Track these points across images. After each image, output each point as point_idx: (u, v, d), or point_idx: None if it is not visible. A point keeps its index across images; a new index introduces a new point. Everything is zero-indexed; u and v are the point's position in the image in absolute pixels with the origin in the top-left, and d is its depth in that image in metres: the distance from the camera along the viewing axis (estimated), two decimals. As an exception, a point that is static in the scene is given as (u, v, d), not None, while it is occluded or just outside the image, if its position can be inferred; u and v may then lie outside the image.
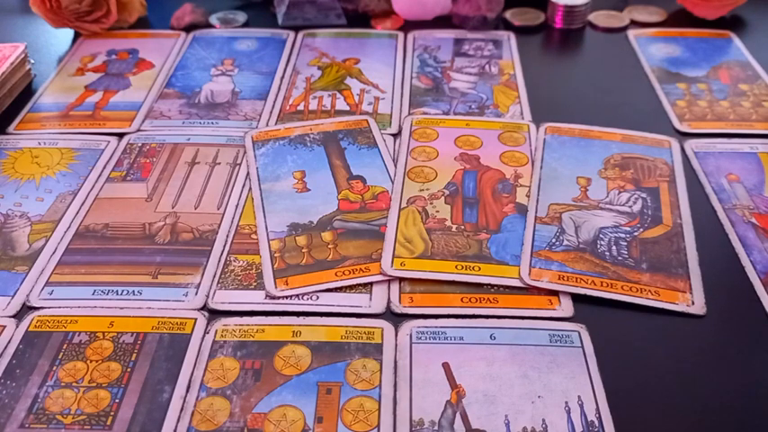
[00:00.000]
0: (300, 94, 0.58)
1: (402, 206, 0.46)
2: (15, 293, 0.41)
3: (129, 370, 0.37)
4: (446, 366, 0.36)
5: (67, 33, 0.67)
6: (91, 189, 0.49)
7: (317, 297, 0.40)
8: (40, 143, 0.53)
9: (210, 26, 0.69)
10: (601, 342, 0.38)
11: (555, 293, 0.40)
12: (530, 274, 0.41)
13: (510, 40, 0.65)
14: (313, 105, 0.57)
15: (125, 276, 0.42)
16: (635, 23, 0.69)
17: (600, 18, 0.69)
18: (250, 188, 0.48)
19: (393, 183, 0.48)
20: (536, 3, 0.69)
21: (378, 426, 0.34)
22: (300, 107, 0.57)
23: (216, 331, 0.38)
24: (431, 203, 0.47)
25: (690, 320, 0.39)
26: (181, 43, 0.66)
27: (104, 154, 0.52)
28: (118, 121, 0.55)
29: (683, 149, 0.52)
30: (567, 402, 0.35)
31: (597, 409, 0.34)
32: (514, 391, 0.35)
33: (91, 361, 0.37)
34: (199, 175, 0.50)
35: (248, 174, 0.50)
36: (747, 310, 0.40)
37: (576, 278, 0.41)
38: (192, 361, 0.37)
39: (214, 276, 0.42)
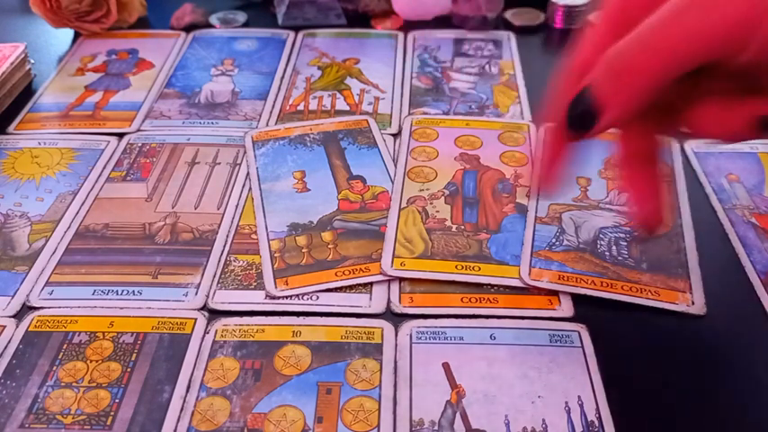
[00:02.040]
0: (300, 94, 0.58)
1: (402, 206, 0.46)
2: (15, 293, 0.41)
3: (129, 370, 0.37)
4: (446, 366, 0.36)
5: (67, 33, 0.67)
6: (91, 189, 0.49)
7: (317, 297, 0.40)
8: (40, 143, 0.53)
9: (210, 26, 0.69)
10: (601, 342, 0.38)
11: (555, 293, 0.40)
12: (530, 274, 0.41)
13: (510, 40, 0.65)
14: (313, 105, 0.57)
15: (125, 276, 0.42)
16: (635, 23, 0.69)
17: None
18: (250, 188, 0.48)
19: (393, 183, 0.48)
20: (536, 3, 0.69)
21: (378, 426, 0.34)
22: (300, 107, 0.57)
23: (216, 331, 0.38)
24: (431, 203, 0.47)
25: (690, 320, 0.39)
26: (181, 43, 0.66)
27: (104, 154, 0.52)
28: (118, 121, 0.55)
29: (683, 149, 0.52)
30: (566, 402, 0.35)
31: (597, 409, 0.34)
32: (514, 391, 0.35)
33: (91, 361, 0.37)
34: (199, 175, 0.50)
35: (248, 174, 0.50)
36: (747, 310, 0.40)
37: (576, 278, 0.41)
38: (192, 361, 0.37)
39: (214, 276, 0.42)
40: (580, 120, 0.31)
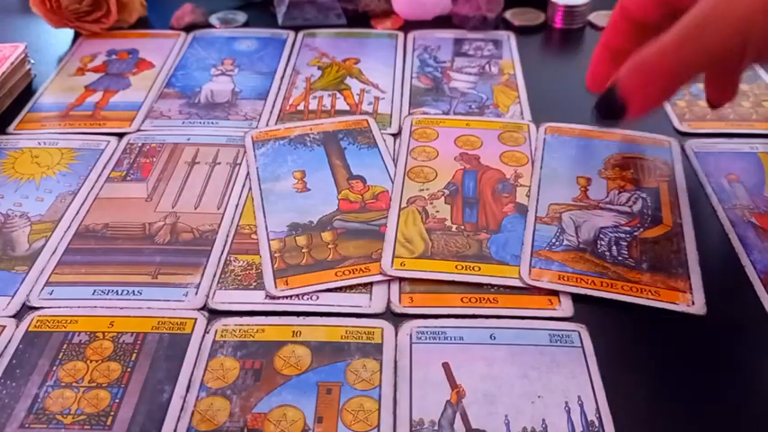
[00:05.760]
0: (300, 94, 0.58)
1: (402, 206, 0.46)
2: (15, 293, 0.41)
3: (129, 370, 0.37)
4: (446, 366, 0.36)
5: (67, 33, 0.67)
6: (91, 189, 0.49)
7: (317, 297, 0.40)
8: (40, 143, 0.53)
9: (210, 26, 0.69)
10: (601, 342, 0.38)
11: (555, 293, 0.40)
12: (530, 274, 0.41)
13: (510, 40, 0.65)
14: (313, 105, 0.57)
15: (125, 276, 0.42)
16: (635, 23, 0.69)
17: (600, 18, 0.69)
18: (250, 188, 0.48)
19: (393, 183, 0.48)
20: (536, 3, 0.69)
21: (378, 426, 0.34)
22: (300, 107, 0.57)
23: (216, 331, 0.38)
24: (431, 203, 0.47)
25: (690, 320, 0.39)
26: (181, 43, 0.66)
27: (104, 154, 0.52)
28: (118, 121, 0.55)
29: (683, 149, 0.52)
30: (567, 402, 0.35)
31: (597, 409, 0.34)
32: (514, 391, 0.35)
33: (91, 361, 0.37)
34: (199, 175, 0.50)
35: (248, 174, 0.50)
36: (747, 310, 0.40)
37: (577, 278, 0.41)
38: (192, 361, 0.37)
39: (214, 276, 0.42)
40: (607, 110, 0.42)
